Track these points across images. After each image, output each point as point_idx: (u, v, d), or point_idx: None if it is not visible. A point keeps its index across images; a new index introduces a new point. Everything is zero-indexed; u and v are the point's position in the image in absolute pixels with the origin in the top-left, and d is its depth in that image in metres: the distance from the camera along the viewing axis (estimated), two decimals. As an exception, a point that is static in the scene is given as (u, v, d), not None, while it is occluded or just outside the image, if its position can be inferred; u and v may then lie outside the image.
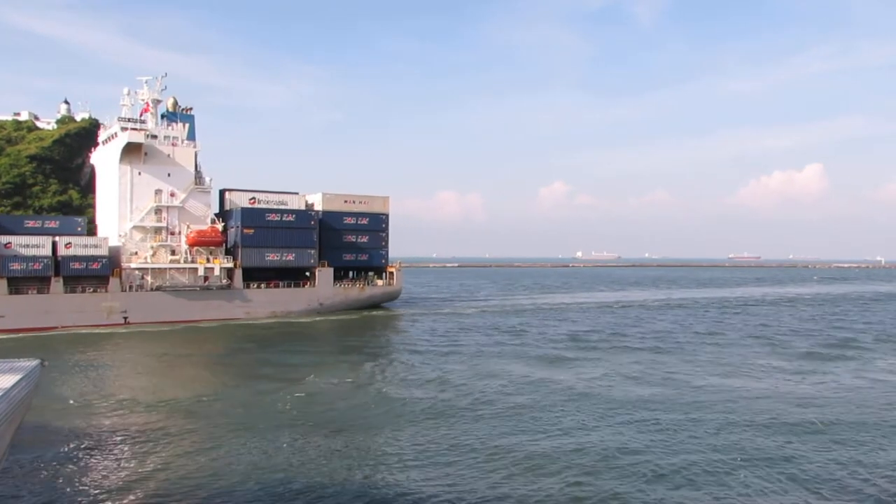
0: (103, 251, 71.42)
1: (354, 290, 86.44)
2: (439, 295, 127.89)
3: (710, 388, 41.08)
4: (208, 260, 76.97)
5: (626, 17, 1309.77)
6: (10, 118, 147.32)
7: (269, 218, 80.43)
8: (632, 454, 27.59)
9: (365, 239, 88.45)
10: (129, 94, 78.91)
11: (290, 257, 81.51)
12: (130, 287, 73.09)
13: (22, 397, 21.29)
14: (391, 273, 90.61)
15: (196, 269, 76.18)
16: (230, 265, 77.78)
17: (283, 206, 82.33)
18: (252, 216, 79.65)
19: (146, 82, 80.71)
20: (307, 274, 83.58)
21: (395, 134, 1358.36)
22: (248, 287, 78.85)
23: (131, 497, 22.80)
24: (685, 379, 43.82)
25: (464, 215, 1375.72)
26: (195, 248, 77.22)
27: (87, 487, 23.69)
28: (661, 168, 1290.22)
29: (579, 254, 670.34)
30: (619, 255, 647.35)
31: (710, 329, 72.82)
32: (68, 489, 23.51)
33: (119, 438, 29.75)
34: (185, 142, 79.81)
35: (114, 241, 74.60)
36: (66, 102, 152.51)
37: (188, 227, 77.14)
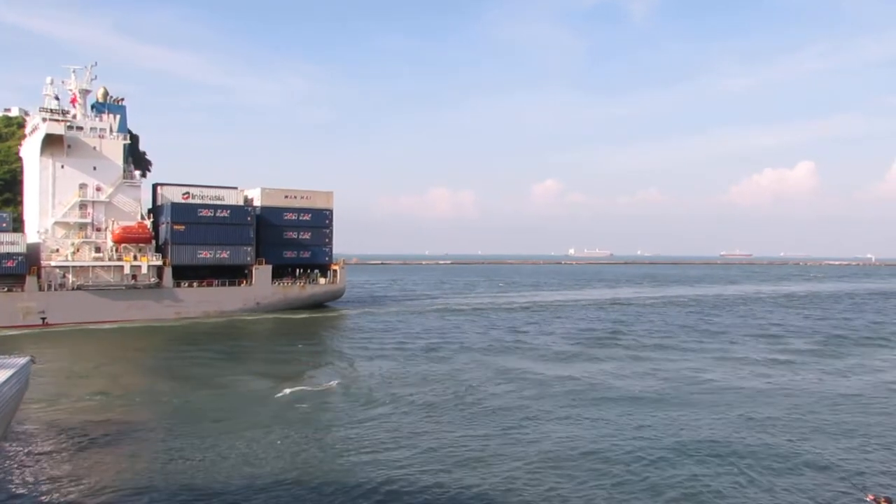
0: (20, 248, 67.84)
1: (294, 289, 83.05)
2: (404, 293, 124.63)
3: (709, 387, 40.19)
4: (135, 258, 73.58)
5: (621, 14, 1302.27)
6: (0, 114, 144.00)
7: (201, 213, 77.01)
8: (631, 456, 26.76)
9: (307, 236, 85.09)
10: (52, 83, 75.41)
11: (225, 255, 78.15)
12: (50, 286, 69.65)
13: (13, 394, 21.61)
14: (335, 271, 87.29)
15: (122, 268, 72.71)
16: (159, 263, 74.40)
17: (218, 202, 78.83)
18: (183, 211, 76.21)
19: (74, 71, 77.23)
20: (246, 272, 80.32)
21: (387, 131, 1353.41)
22: (178, 286, 75.49)
23: (123, 492, 22.63)
24: (684, 377, 42.99)
25: (456, 212, 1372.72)
26: (122, 245, 73.78)
27: (79, 483, 23.50)
28: (653, 166, 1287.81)
29: (572, 251, 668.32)
30: (611, 252, 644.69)
31: (707, 327, 71.19)
32: (62, 485, 23.31)
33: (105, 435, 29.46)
34: (115, 134, 76.29)
35: (34, 238, 71.22)
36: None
37: (113, 223, 73.69)
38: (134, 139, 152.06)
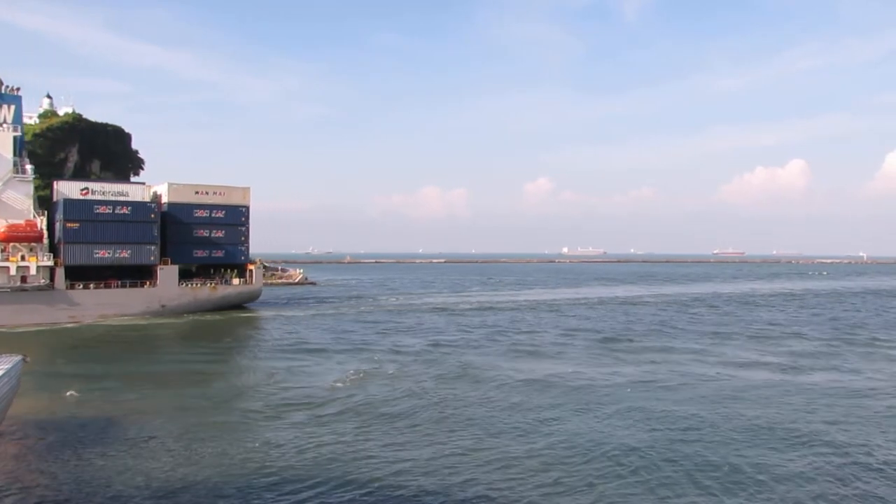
0: None
1: (204, 291, 78.27)
2: (357, 292, 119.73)
3: (706, 387, 38.42)
4: (23, 258, 68.84)
5: (614, 14, 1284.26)
6: None
7: (98, 210, 72.20)
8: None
9: (220, 234, 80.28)
10: (-65, 72, 70.57)
11: (125, 254, 73.41)
12: (-74, 289, 64.95)
13: (4, 392, 21.42)
14: (250, 272, 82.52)
15: (7, 269, 67.90)
16: (50, 263, 69.64)
17: (119, 198, 74.10)
18: (77, 208, 71.46)
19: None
20: (152, 273, 75.65)
21: (381, 129, 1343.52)
22: (73, 288, 70.78)
23: (115, 490, 21.94)
24: (679, 377, 41.20)
25: (448, 211, 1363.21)
26: (11, 244, 69.01)
27: (72, 481, 22.78)
28: (646, 164, 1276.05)
29: (565, 249, 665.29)
30: (604, 250, 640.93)
31: (702, 326, 68.71)
32: (55, 482, 22.66)
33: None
34: (7, 125, 71.51)
35: (-90, 237, 66.49)
36: (49, 97, 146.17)
37: (-2, 220, 68.95)
38: (126, 137, 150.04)
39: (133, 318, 71.96)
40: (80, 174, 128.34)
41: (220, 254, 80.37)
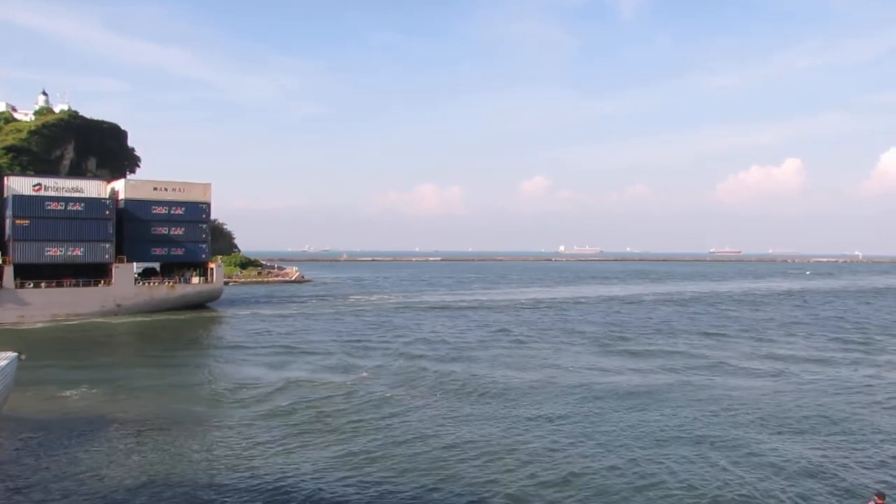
0: None
1: (162, 290, 76.11)
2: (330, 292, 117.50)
3: (706, 388, 36.94)
4: (-31, 256, 66.71)
5: (611, 12, 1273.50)
6: None
7: (49, 207, 69.97)
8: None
9: (180, 231, 78.01)
10: None
11: (78, 252, 71.20)
12: None
13: None
14: (211, 270, 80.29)
15: (-47, 267, 65.90)
16: (-2, 261, 67.51)
17: (72, 194, 71.87)
18: (27, 205, 69.15)
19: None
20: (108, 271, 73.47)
21: (378, 127, 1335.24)
22: (23, 286, 68.60)
23: (112, 490, 21.54)
24: (677, 377, 39.83)
25: (445, 209, 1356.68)
26: (-43, 242, 66.89)
27: (69, 480, 22.34)
28: (642, 163, 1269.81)
29: (562, 248, 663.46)
30: (601, 249, 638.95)
31: (701, 326, 66.86)
32: (50, 481, 22.15)
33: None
34: (-44, 119, 69.45)
35: None
36: (45, 94, 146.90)
37: (-56, 217, 66.83)
38: (122, 135, 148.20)
39: (86, 318, 69.79)
40: (76, 171, 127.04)
41: (179, 252, 78.14)
